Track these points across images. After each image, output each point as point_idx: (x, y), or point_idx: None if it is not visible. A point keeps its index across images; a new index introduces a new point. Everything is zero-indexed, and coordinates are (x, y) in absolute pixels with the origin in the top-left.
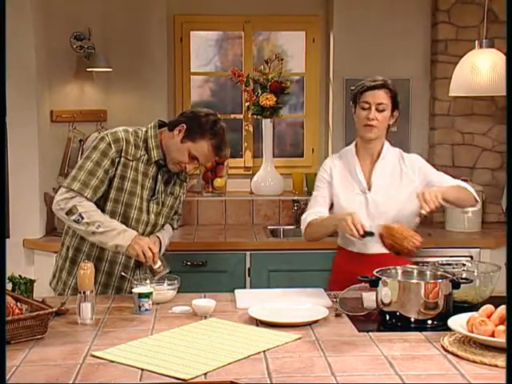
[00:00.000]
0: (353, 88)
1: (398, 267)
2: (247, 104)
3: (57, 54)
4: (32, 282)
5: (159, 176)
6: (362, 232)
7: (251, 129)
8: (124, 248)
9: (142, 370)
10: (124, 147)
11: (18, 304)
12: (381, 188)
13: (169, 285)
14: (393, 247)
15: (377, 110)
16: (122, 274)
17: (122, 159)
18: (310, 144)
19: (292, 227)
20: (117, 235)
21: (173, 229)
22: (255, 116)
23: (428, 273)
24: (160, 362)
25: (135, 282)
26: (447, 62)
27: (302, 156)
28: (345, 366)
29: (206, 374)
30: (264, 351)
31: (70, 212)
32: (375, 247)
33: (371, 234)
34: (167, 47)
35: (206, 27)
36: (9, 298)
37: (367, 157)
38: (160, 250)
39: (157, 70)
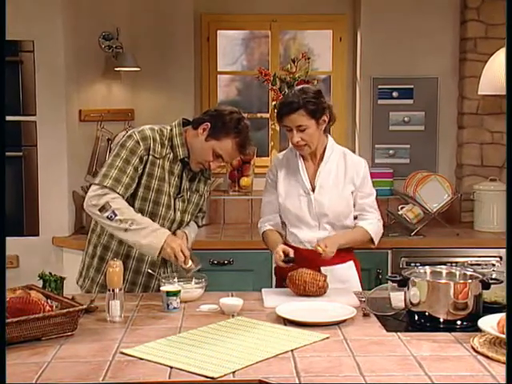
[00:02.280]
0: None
1: (427, 267)
2: (274, 103)
3: (85, 54)
4: (62, 279)
5: (184, 174)
6: (282, 258)
7: (278, 128)
8: (157, 247)
9: (171, 367)
10: (151, 145)
11: (49, 301)
12: (325, 189)
13: (196, 283)
14: (304, 291)
15: (299, 131)
16: (149, 271)
17: (150, 157)
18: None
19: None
20: (150, 233)
21: (198, 226)
22: None
23: (457, 273)
24: (188, 360)
25: (163, 281)
26: (476, 60)
27: None
28: (373, 366)
29: (234, 372)
30: (292, 350)
31: (103, 208)
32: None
33: (291, 259)
34: (194, 46)
35: (232, 26)
36: (39, 295)
37: (311, 158)
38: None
39: (184, 69)
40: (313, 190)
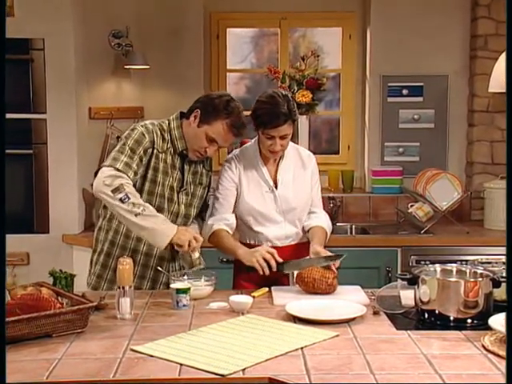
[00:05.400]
0: (256, 113)
1: (437, 265)
2: None
3: (95, 52)
4: (72, 276)
5: (185, 167)
6: (274, 269)
7: None
8: (170, 234)
9: (181, 364)
10: (155, 138)
11: (59, 298)
12: (287, 184)
13: (206, 281)
14: (313, 289)
15: (281, 139)
16: (158, 268)
17: (154, 150)
18: (345, 141)
19: None
20: (163, 221)
21: (203, 220)
22: None
23: (467, 271)
24: (198, 358)
25: (173, 278)
26: (487, 57)
27: (338, 153)
28: (383, 364)
29: (243, 369)
30: (301, 348)
31: (116, 190)
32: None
33: (283, 264)
34: (203, 44)
35: (242, 24)
36: (50, 292)
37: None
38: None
39: (193, 67)
40: (276, 187)
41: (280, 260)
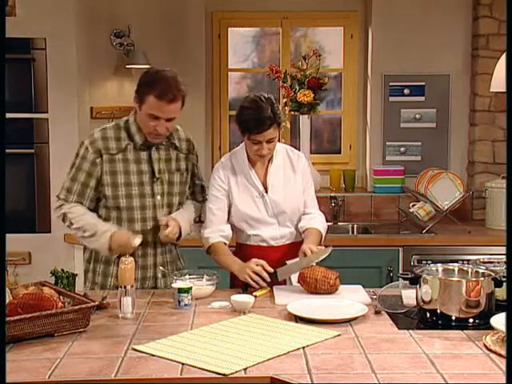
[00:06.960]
0: (240, 116)
1: (439, 265)
2: (284, 100)
3: (97, 52)
4: (74, 276)
5: (153, 156)
6: (268, 279)
7: (288, 125)
8: (105, 247)
9: (183, 364)
10: (102, 145)
11: (61, 297)
12: (277, 188)
13: (208, 280)
14: (315, 289)
15: (268, 142)
16: (161, 268)
17: (105, 156)
18: (347, 140)
19: (329, 224)
20: (97, 239)
21: (198, 202)
22: (292, 112)
23: (469, 271)
24: (200, 357)
25: (174, 278)
26: (488, 56)
27: (340, 152)
28: (385, 363)
29: (245, 369)
30: (303, 347)
31: (63, 219)
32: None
33: (275, 273)
34: (205, 44)
35: (243, 24)
36: (52, 292)
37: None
38: (181, 232)
39: (195, 67)
40: (266, 191)
41: (271, 270)
